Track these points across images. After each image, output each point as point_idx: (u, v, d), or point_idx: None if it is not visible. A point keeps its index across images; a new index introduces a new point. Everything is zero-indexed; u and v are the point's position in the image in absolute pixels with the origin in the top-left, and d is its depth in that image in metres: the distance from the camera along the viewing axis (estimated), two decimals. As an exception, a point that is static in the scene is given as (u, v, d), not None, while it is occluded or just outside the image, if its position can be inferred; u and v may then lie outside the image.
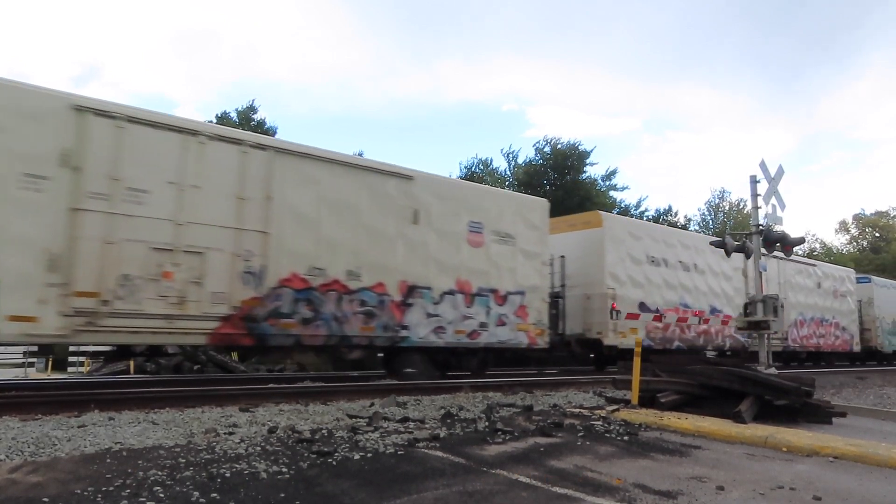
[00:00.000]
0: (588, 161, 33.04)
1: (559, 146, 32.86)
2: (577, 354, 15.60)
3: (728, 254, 12.71)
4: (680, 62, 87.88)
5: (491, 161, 34.88)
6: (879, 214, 55.74)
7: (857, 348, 23.35)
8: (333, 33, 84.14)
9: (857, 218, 56.30)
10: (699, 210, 52.58)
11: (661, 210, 40.07)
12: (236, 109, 29.46)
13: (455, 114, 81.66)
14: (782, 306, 11.58)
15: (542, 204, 13.55)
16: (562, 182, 32.24)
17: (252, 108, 29.51)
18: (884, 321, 25.13)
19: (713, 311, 17.48)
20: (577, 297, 14.80)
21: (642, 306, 15.29)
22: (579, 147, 32.80)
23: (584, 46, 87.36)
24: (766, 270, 13.80)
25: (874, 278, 25.59)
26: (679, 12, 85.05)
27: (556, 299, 14.10)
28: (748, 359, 15.17)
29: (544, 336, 12.88)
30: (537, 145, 34.13)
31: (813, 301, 21.36)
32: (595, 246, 14.72)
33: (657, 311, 15.63)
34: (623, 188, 42.69)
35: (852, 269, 22.97)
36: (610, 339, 14.32)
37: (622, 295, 14.72)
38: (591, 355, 15.94)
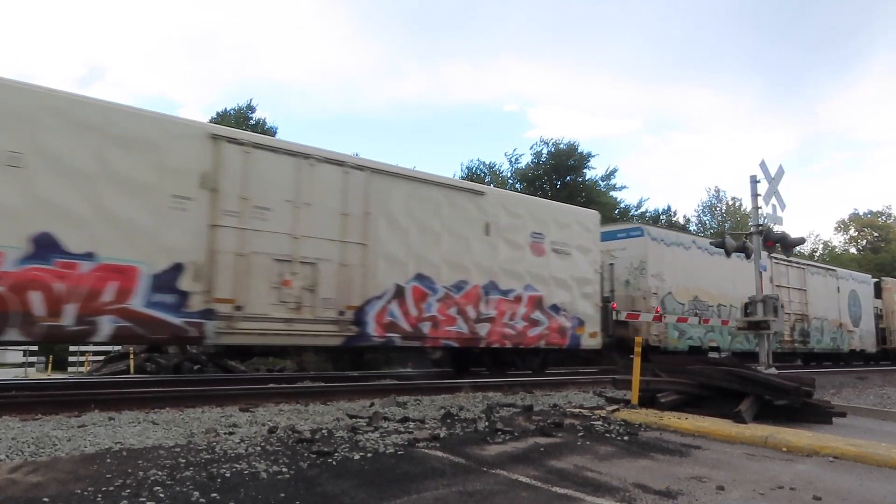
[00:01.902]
0: (588, 164, 33.11)
1: (560, 146, 32.90)
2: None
3: (728, 254, 12.72)
4: (681, 64, 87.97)
5: (495, 164, 34.97)
6: (874, 214, 55.74)
7: (591, 343, 13.58)
8: (336, 34, 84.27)
9: (853, 218, 56.31)
10: (695, 211, 52.57)
11: (661, 210, 40.13)
12: (234, 108, 29.45)
13: (456, 115, 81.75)
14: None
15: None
16: (563, 183, 32.28)
17: (250, 107, 29.56)
18: (670, 299, 16.59)
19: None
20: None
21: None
22: (578, 148, 32.84)
23: (585, 49, 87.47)
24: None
25: (651, 229, 16.97)
26: (682, 16, 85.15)
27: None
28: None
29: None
30: (534, 148, 34.23)
31: (461, 253, 11.67)
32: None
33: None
34: (622, 188, 42.64)
35: (596, 212, 14.70)
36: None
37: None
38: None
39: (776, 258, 19.50)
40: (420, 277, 10.98)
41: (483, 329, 11.73)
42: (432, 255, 11.22)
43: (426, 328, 10.93)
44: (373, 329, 10.24)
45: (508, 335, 12.12)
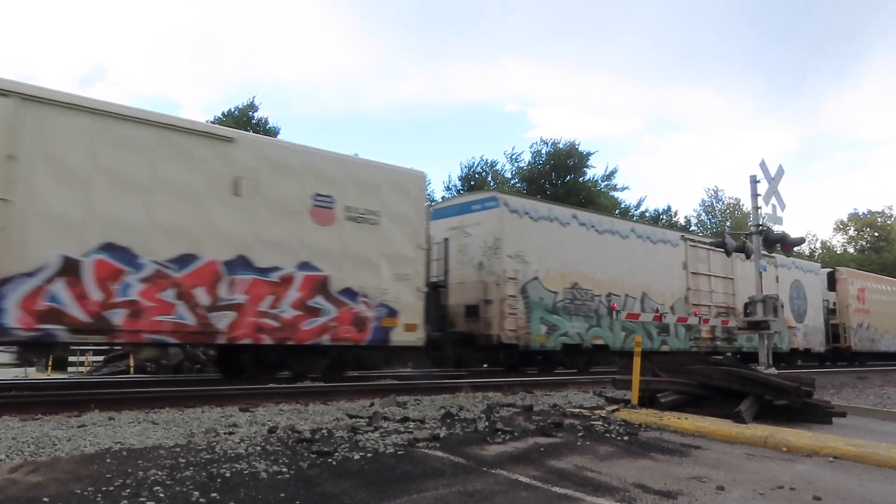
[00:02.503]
0: (588, 164, 33.15)
1: (559, 146, 32.94)
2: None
3: (728, 254, 12.73)
4: (682, 65, 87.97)
5: (496, 163, 35.03)
6: (874, 214, 55.73)
7: (407, 338, 11.04)
8: (337, 35, 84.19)
9: (852, 217, 56.29)
10: (694, 210, 52.59)
11: (661, 210, 40.14)
12: (236, 108, 29.50)
13: (457, 115, 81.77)
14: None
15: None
16: (563, 183, 32.30)
17: (252, 107, 29.64)
18: (535, 287, 13.59)
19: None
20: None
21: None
22: (578, 148, 32.88)
23: (586, 49, 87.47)
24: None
25: (510, 199, 14.00)
26: (682, 16, 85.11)
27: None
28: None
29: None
30: (533, 147, 34.30)
31: (189, 217, 9.20)
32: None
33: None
34: (623, 188, 42.67)
35: (422, 172, 11.85)
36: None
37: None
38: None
39: (692, 240, 17.80)
40: (110, 248, 8.34)
41: (222, 320, 9.09)
42: (135, 218, 8.56)
43: (118, 317, 8.30)
44: (14, 318, 7.65)
45: (268, 328, 9.43)
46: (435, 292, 12.10)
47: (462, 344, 13.22)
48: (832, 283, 23.93)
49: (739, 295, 17.90)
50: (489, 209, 13.61)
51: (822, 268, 24.56)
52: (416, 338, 11.11)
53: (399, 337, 10.85)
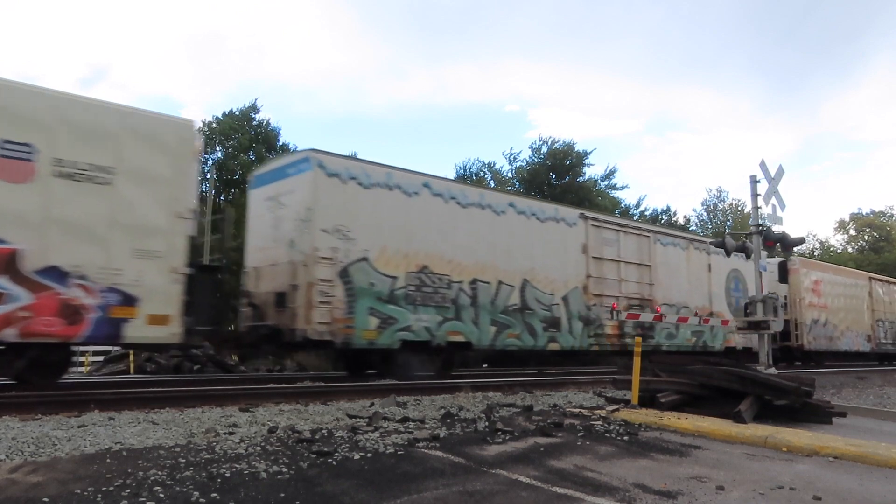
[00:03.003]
0: (586, 162, 33.17)
1: (556, 146, 32.98)
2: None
3: (728, 254, 12.73)
4: (683, 65, 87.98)
5: (494, 163, 35.09)
6: (876, 214, 55.73)
7: (153, 333, 8.52)
8: (340, 36, 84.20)
9: (855, 217, 56.28)
10: (695, 210, 52.61)
11: (660, 210, 40.15)
12: (238, 109, 29.63)
13: (458, 116, 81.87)
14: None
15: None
16: (562, 182, 32.32)
17: (254, 108, 29.86)
18: (362, 270, 10.96)
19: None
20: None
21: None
22: (575, 147, 32.94)
23: (586, 50, 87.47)
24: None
25: (327, 159, 11.03)
26: (684, 18, 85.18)
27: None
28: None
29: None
30: (533, 145, 34.37)
31: None
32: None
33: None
34: (622, 187, 42.66)
35: (189, 120, 9.36)
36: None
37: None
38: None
39: (595, 219, 14.93)
40: None
41: None
42: None
43: None
44: None
45: None
46: (212, 275, 9.59)
47: (270, 341, 10.95)
48: (783, 274, 21.06)
49: (660, 285, 15.58)
50: (302, 172, 10.95)
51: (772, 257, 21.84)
52: (168, 333, 8.53)
53: (139, 332, 8.32)
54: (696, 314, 16.58)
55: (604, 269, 14.79)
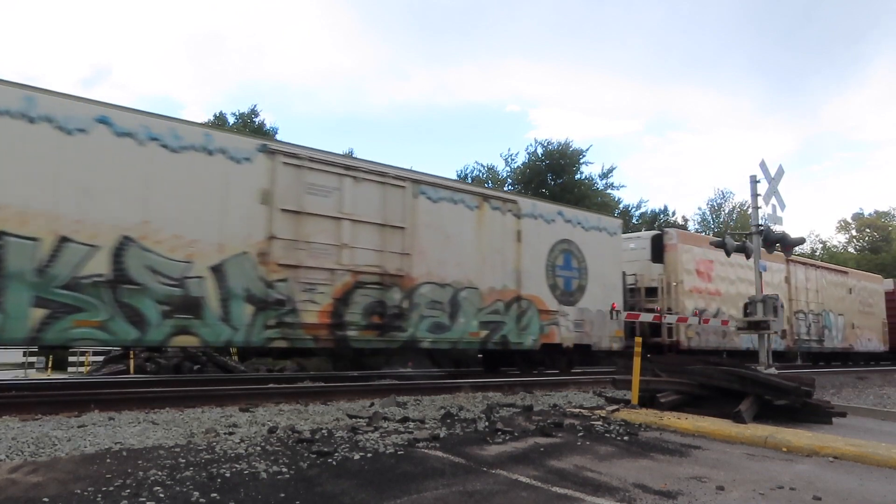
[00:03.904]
0: (583, 160, 33.18)
1: (551, 147, 33.07)
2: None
3: (728, 254, 12.71)
4: (684, 66, 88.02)
5: (494, 166, 35.27)
6: (879, 214, 55.78)
7: None
8: (341, 36, 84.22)
9: (856, 218, 56.32)
10: (699, 209, 52.63)
11: (658, 210, 40.14)
12: (238, 112, 29.76)
13: (459, 116, 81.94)
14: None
15: None
16: (559, 182, 32.37)
17: (254, 112, 30.08)
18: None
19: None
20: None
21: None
22: (571, 146, 32.97)
23: (588, 50, 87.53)
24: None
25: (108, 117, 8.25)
26: (684, 18, 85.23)
27: None
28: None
29: None
30: (529, 148, 34.51)
31: None
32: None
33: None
34: (620, 186, 42.56)
35: None
36: None
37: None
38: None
39: (290, 154, 9.95)
40: None
41: None
42: None
43: None
44: None
45: None
46: None
47: None
48: (658, 251, 16.92)
49: (423, 255, 11.27)
50: None
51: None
52: None
53: None
54: (491, 298, 12.09)
55: (308, 228, 10.03)
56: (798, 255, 23.18)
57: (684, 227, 39.64)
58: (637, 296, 16.78)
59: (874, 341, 24.16)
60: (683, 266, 16.66)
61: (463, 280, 11.86)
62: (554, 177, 32.83)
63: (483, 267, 12.24)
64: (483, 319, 12.04)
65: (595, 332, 14.03)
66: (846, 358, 23.25)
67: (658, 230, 17.86)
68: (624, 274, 15.50)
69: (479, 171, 34.69)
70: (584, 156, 33.18)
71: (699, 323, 16.05)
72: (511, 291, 12.58)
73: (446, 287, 11.57)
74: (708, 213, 49.64)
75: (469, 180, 32.64)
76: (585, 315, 13.87)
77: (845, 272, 23.91)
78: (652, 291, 16.67)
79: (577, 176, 33.05)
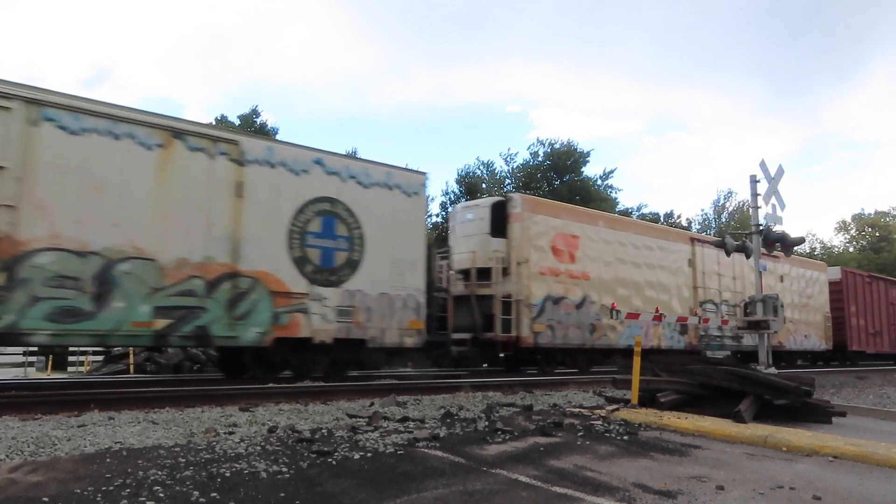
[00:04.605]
0: (587, 161, 33.33)
1: (556, 147, 33.12)
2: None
3: (728, 254, 12.69)
4: (684, 66, 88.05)
5: (492, 163, 35.22)
6: (879, 214, 55.78)
7: None
8: (343, 37, 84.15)
9: (857, 218, 56.29)
10: (702, 210, 52.69)
11: (662, 213, 40.18)
12: (239, 116, 29.91)
13: (460, 116, 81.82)
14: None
15: None
16: (562, 182, 32.40)
17: (255, 113, 30.18)
18: None
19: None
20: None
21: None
22: (577, 148, 33.06)
23: (589, 51, 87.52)
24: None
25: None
26: (685, 19, 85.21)
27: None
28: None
29: None
30: (531, 148, 34.54)
31: None
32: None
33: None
34: (618, 189, 42.66)
35: None
36: None
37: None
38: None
39: None
40: None
41: None
42: None
43: None
44: None
45: None
46: None
47: None
48: (500, 222, 13.38)
49: (43, 210, 8.09)
50: None
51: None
52: None
53: None
54: (180, 274, 8.95)
55: None
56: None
57: (688, 229, 39.53)
58: (469, 279, 13.41)
59: (813, 338, 21.15)
60: (532, 241, 13.24)
61: (125, 247, 8.57)
62: (556, 176, 32.87)
63: (167, 230, 8.93)
64: (163, 304, 8.75)
65: (374, 323, 10.66)
66: (777, 358, 15.93)
67: (502, 196, 14.48)
68: (432, 248, 12.57)
69: (479, 168, 34.70)
70: (588, 157, 33.38)
71: (699, 323, 15.17)
72: (220, 266, 9.28)
73: (89, 257, 8.27)
74: (711, 213, 49.65)
75: (469, 179, 32.63)
76: (358, 300, 10.53)
77: (776, 257, 18.72)
78: (485, 273, 13.12)
79: (579, 177, 33.17)
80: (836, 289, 22.50)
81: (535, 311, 13.14)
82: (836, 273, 22.91)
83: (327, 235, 10.51)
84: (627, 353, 14.70)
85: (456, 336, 12.78)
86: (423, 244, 11.72)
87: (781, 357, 19.08)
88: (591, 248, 14.60)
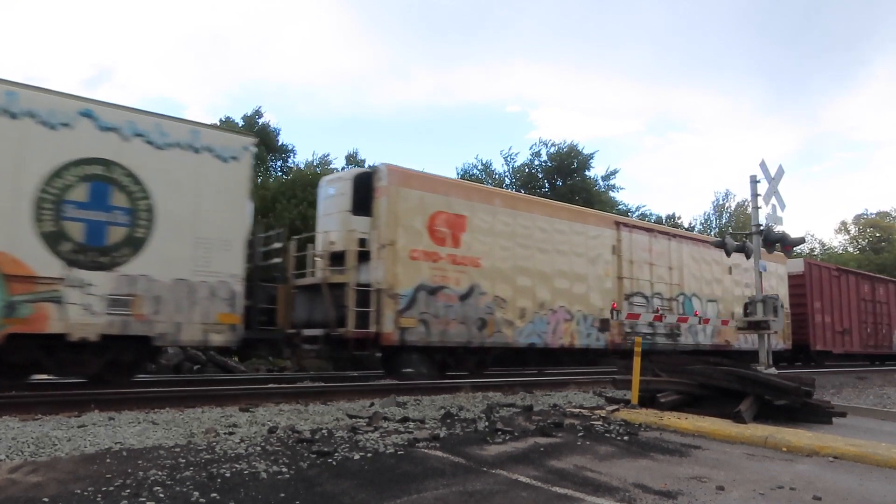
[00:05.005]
0: (591, 164, 33.40)
1: (560, 148, 33.13)
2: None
3: (728, 254, 12.69)
4: (684, 67, 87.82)
5: (490, 163, 35.17)
6: (881, 215, 55.77)
7: None
8: (343, 37, 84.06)
9: (859, 218, 56.30)
10: (704, 212, 52.80)
11: (664, 216, 40.21)
12: (242, 116, 29.89)
13: (461, 117, 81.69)
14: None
15: None
16: (564, 183, 32.41)
17: (258, 114, 30.21)
18: None
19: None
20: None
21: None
22: (581, 150, 33.09)
23: (589, 51, 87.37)
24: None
25: None
26: (686, 19, 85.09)
27: None
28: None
29: None
30: (533, 148, 34.53)
31: None
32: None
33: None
34: (619, 189, 42.59)
35: None
36: None
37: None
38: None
39: None
40: None
41: None
42: None
43: None
44: None
45: None
46: None
47: None
48: (364, 198, 11.45)
49: None
50: None
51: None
52: None
53: None
54: None
55: None
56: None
57: (690, 230, 39.48)
58: (322, 264, 11.43)
59: (768, 336, 19.19)
60: (401, 220, 11.18)
61: None
62: (559, 178, 32.88)
63: None
64: None
65: (165, 316, 8.65)
66: (726, 357, 13.55)
67: (368, 168, 12.35)
68: (256, 229, 10.52)
69: (478, 168, 34.66)
70: (592, 159, 33.42)
71: (699, 323, 14.75)
72: None
73: None
74: (711, 213, 49.67)
75: (468, 178, 32.62)
76: (142, 287, 8.55)
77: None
78: (339, 258, 11.10)
79: (582, 178, 33.16)
80: (797, 282, 20.14)
81: (402, 302, 10.87)
82: (798, 265, 20.62)
83: (97, 206, 8.36)
84: (529, 353, 12.93)
85: (308, 332, 11.07)
86: (243, 221, 9.57)
87: (730, 357, 14.68)
88: (483, 231, 12.30)
